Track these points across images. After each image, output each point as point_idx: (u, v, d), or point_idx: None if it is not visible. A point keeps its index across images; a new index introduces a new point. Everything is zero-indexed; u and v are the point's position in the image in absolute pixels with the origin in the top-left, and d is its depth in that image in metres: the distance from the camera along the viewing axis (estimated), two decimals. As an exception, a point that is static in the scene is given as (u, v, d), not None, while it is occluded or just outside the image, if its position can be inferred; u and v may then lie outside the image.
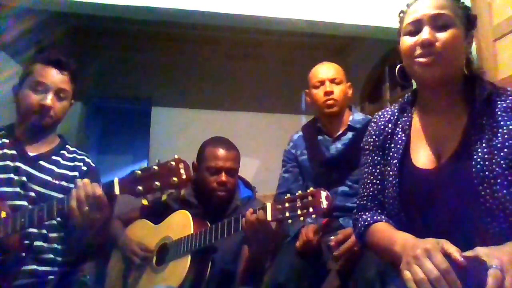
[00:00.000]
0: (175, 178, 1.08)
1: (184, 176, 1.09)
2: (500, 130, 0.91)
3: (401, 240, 0.90)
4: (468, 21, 1.01)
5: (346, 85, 1.84)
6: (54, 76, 1.36)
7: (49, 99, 1.34)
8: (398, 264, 0.84)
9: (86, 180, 1.15)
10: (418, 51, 0.95)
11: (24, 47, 2.69)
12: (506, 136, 0.90)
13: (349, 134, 1.77)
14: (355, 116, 1.82)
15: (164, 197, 1.12)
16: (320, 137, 1.83)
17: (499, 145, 0.90)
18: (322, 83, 1.80)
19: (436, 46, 0.94)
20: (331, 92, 1.77)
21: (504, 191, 0.86)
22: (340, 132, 1.79)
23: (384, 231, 1.00)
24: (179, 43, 4.07)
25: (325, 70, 1.83)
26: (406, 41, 0.99)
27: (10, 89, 1.41)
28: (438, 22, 0.95)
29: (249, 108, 4.22)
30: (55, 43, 2.99)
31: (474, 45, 2.07)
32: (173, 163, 1.09)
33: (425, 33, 0.95)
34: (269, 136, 3.99)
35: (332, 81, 1.79)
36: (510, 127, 0.91)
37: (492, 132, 0.92)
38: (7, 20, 2.48)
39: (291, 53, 4.21)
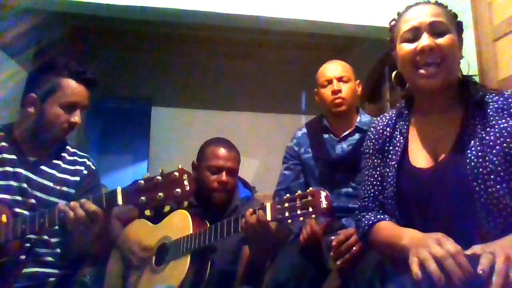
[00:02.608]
0: (178, 190, 1.07)
1: (187, 188, 1.07)
2: (492, 130, 0.95)
3: (408, 234, 0.92)
4: (458, 27, 1.05)
5: (355, 82, 1.81)
6: (84, 95, 1.36)
7: (79, 116, 1.34)
8: (404, 258, 0.85)
9: (73, 203, 1.13)
10: (419, 58, 0.98)
11: (24, 47, 2.68)
12: (497, 135, 0.93)
13: (356, 136, 1.75)
14: (363, 118, 1.79)
15: (167, 208, 1.11)
16: (325, 136, 1.80)
17: (491, 143, 0.93)
18: (329, 81, 1.76)
19: (436, 52, 0.96)
20: (339, 91, 1.73)
21: (498, 187, 0.90)
22: (347, 132, 1.77)
23: (390, 228, 1.02)
24: (179, 43, 4.05)
25: (333, 68, 1.80)
26: (405, 48, 1.01)
27: (10, 89, 1.40)
28: (436, 29, 0.98)
29: (249, 108, 4.22)
30: (55, 43, 2.98)
31: (474, 45, 2.10)
32: (176, 173, 1.07)
33: (425, 40, 0.97)
34: (269, 136, 3.99)
35: (340, 79, 1.76)
36: (502, 126, 0.94)
37: (484, 131, 0.95)
38: (7, 20, 2.48)
39: (291, 53, 4.20)
